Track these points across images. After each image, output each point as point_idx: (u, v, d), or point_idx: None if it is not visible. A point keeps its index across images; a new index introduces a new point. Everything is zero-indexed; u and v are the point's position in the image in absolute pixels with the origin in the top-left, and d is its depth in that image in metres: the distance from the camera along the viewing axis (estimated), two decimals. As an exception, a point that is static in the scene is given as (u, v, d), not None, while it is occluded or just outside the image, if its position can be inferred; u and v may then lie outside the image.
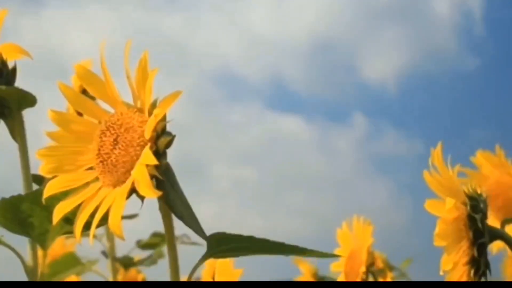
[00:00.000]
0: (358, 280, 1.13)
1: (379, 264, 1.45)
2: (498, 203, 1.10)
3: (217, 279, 0.77)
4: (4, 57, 0.71)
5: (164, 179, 0.54)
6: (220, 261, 0.79)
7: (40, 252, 0.70)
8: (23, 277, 0.69)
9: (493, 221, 0.95)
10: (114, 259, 1.49)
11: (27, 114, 0.72)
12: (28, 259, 0.70)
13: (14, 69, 0.71)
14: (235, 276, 0.79)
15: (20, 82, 0.72)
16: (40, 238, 0.68)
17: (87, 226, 0.55)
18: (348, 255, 1.17)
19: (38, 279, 0.69)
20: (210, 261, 0.62)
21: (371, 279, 1.15)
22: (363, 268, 1.13)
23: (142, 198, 0.54)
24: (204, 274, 1.06)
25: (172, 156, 0.56)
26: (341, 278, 1.19)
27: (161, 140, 0.54)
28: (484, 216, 0.69)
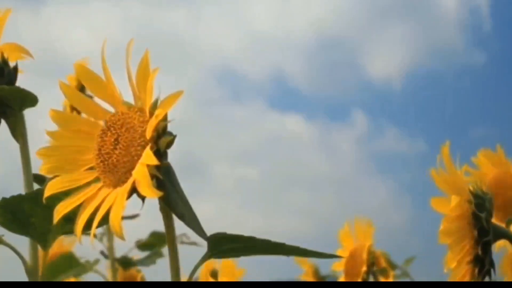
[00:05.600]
0: (359, 280, 1.14)
1: (382, 262, 1.45)
2: (497, 203, 1.09)
3: (220, 279, 0.77)
4: (6, 56, 0.71)
5: (165, 179, 0.54)
6: (223, 261, 0.79)
7: (40, 252, 0.70)
8: (23, 277, 0.69)
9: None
10: (114, 259, 1.49)
11: (27, 113, 0.72)
12: (29, 259, 0.69)
13: (15, 69, 0.71)
14: (238, 276, 0.79)
15: (21, 80, 0.72)
16: (41, 238, 0.68)
17: (87, 226, 0.55)
18: (349, 254, 1.18)
19: (39, 279, 0.69)
20: (208, 261, 0.62)
21: (372, 279, 1.15)
22: (364, 268, 1.13)
23: (143, 198, 0.54)
24: (202, 274, 1.06)
25: (173, 155, 0.56)
26: (342, 278, 1.19)
27: (162, 140, 0.54)
28: (489, 215, 0.69)
